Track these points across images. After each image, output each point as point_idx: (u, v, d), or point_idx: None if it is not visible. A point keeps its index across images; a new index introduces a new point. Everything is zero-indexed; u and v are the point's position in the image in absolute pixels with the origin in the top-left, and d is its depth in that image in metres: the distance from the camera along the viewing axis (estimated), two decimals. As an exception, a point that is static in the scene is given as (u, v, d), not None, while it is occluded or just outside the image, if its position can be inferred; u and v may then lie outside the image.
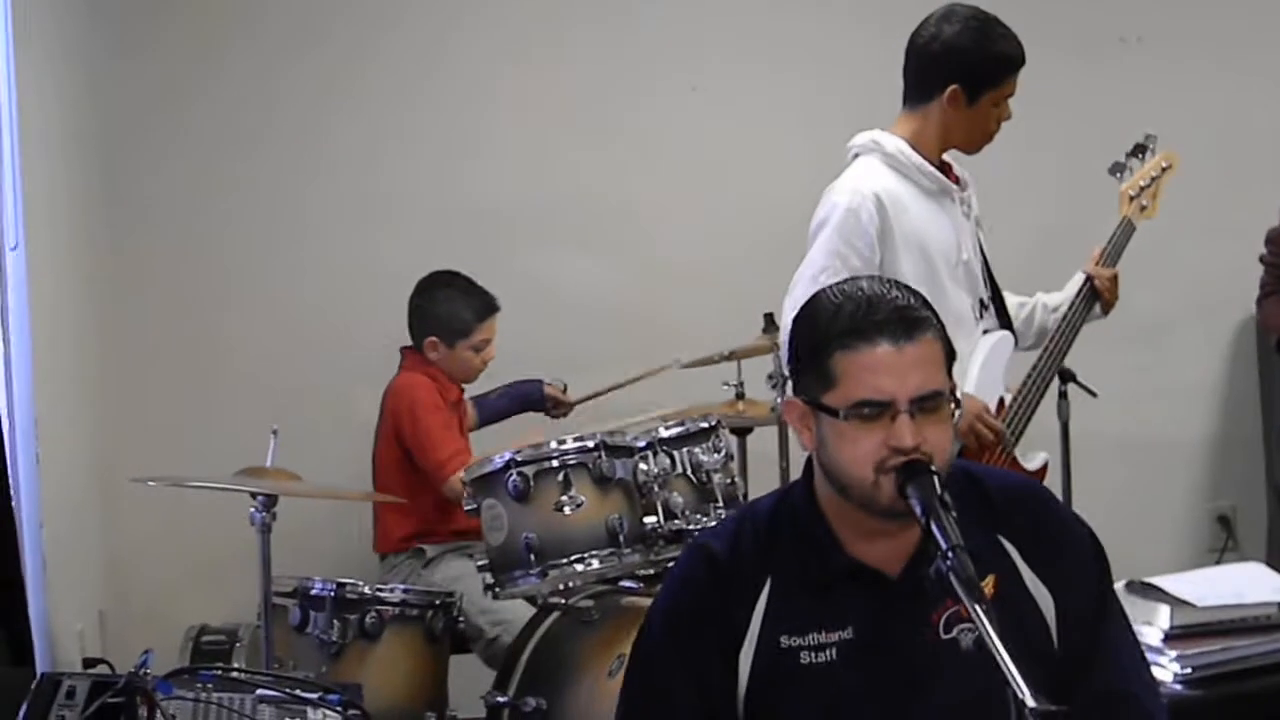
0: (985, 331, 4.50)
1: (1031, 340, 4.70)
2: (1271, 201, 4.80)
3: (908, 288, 2.72)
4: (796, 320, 2.76)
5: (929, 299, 2.72)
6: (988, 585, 2.64)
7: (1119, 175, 4.86)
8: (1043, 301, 4.74)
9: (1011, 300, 4.70)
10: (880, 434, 2.60)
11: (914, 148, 4.39)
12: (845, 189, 4.34)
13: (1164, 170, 4.86)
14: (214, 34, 6.15)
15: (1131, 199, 4.80)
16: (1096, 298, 4.66)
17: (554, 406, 5.93)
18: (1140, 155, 4.88)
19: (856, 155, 4.47)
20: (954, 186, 4.46)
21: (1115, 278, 4.68)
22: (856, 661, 2.69)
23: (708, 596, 2.77)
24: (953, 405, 2.67)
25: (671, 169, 6.39)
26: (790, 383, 2.82)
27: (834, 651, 2.70)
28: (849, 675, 2.69)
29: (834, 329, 2.63)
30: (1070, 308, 4.62)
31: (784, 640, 2.72)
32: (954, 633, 2.68)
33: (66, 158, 5.53)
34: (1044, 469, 4.61)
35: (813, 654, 2.71)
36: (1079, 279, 4.67)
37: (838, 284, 2.74)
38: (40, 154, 4.90)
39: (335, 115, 6.23)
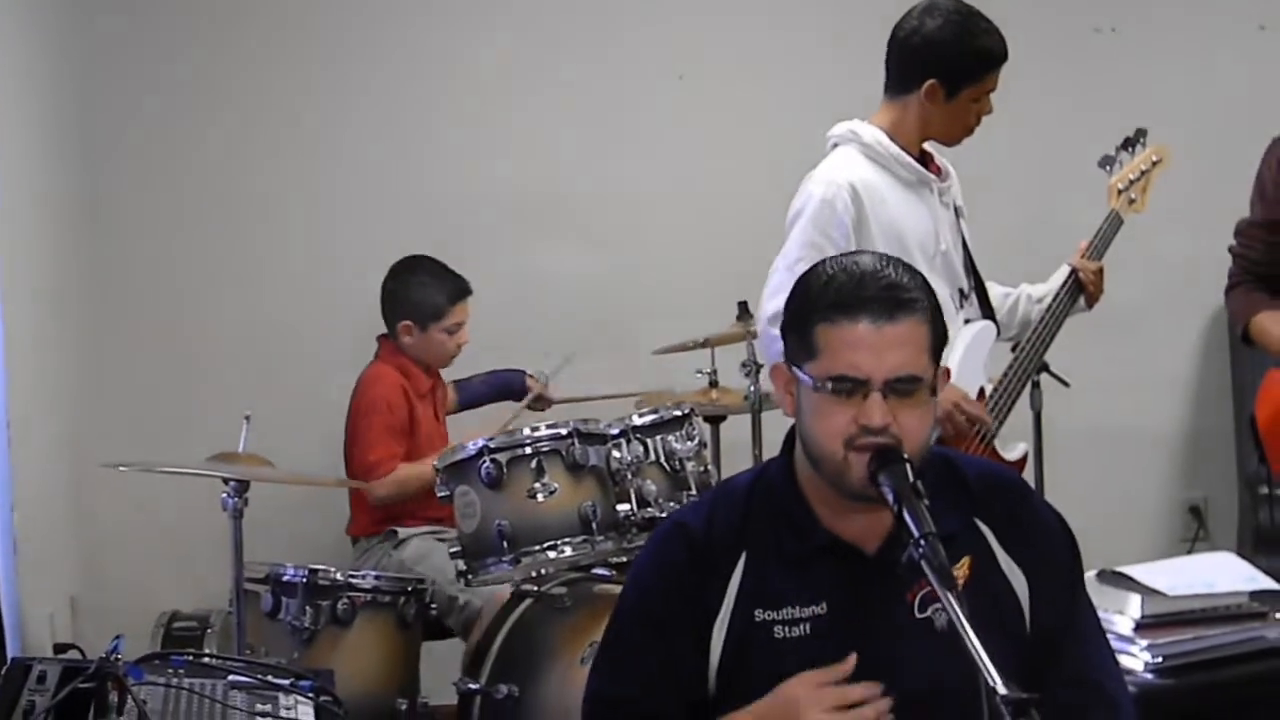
0: (966, 321, 4.50)
1: (1015, 331, 4.70)
2: (1245, 192, 4.82)
3: (909, 268, 2.72)
4: (794, 286, 2.76)
5: None
6: (963, 567, 2.69)
7: (1109, 168, 4.85)
8: (1027, 293, 4.74)
9: (996, 290, 4.70)
10: (852, 411, 2.61)
11: (892, 138, 4.39)
12: (821, 179, 4.34)
13: (1154, 164, 4.85)
14: (203, 20, 6.14)
15: (1120, 192, 4.79)
16: (1081, 291, 4.66)
17: (534, 400, 5.93)
18: (1130, 149, 4.87)
19: (835, 145, 4.46)
20: (933, 177, 4.45)
21: (1100, 271, 4.68)
22: (830, 636, 2.70)
23: (683, 575, 2.78)
24: (930, 393, 2.68)
25: (651, 157, 6.39)
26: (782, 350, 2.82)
27: (808, 626, 2.72)
28: (822, 650, 2.70)
29: (821, 300, 2.65)
30: (1054, 299, 4.62)
31: (758, 614, 2.73)
32: (928, 612, 2.69)
33: (42, 142, 5.51)
34: (1024, 459, 4.62)
35: (786, 628, 2.72)
36: (1064, 271, 4.67)
37: (839, 256, 2.77)
38: (14, 137, 4.88)
39: (314, 105, 6.22)
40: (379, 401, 5.49)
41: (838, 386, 2.62)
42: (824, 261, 2.75)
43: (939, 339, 2.71)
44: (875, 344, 2.61)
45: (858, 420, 2.61)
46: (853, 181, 4.30)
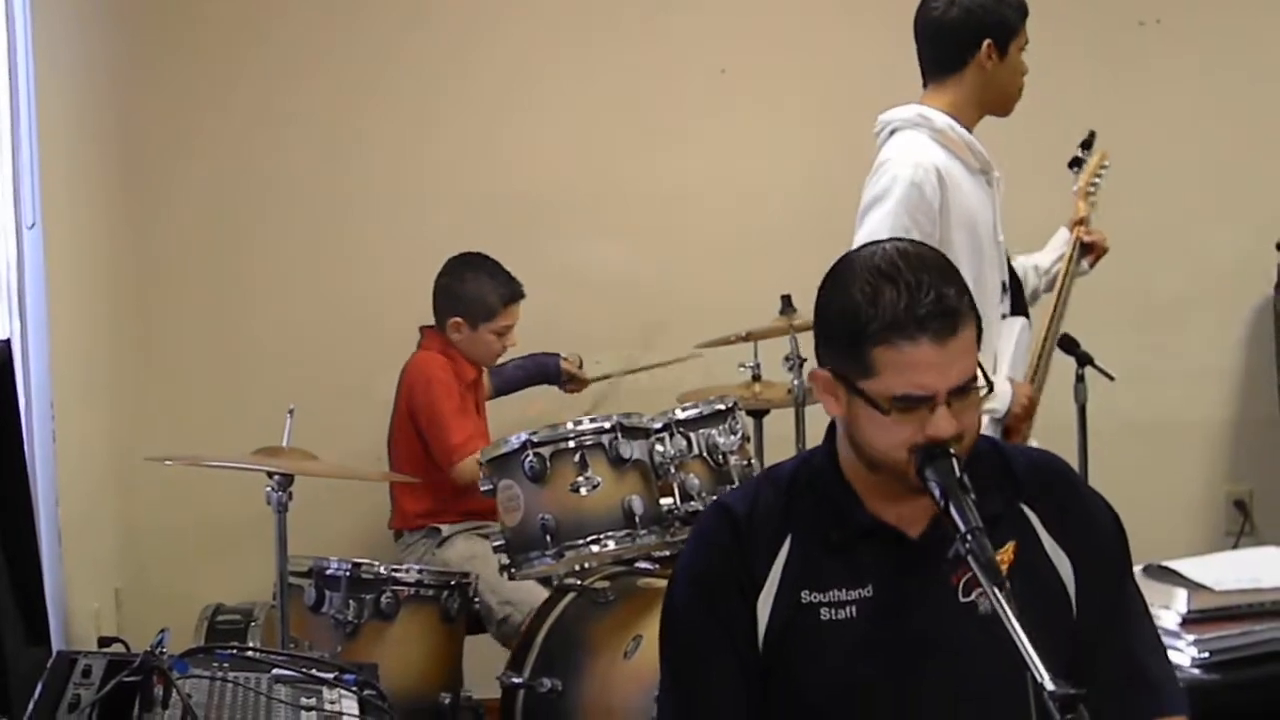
0: (1003, 316, 4.47)
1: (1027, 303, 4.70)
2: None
3: (939, 261, 2.68)
4: (829, 290, 2.71)
5: (974, 279, 2.69)
6: (1008, 551, 2.68)
7: (1076, 170, 4.86)
8: (1032, 264, 4.74)
9: None
10: (918, 422, 2.59)
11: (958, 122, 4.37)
12: (906, 162, 4.25)
13: (1105, 168, 4.88)
14: (243, 15, 6.15)
15: (1088, 195, 4.82)
16: (1086, 252, 4.67)
17: (569, 381, 5.95)
18: (1086, 151, 4.91)
19: (894, 130, 4.39)
20: (992, 165, 4.44)
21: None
22: (876, 619, 2.69)
23: (727, 551, 2.78)
24: (985, 389, 2.67)
25: (694, 151, 6.38)
26: (815, 347, 2.78)
27: (854, 609, 2.71)
28: (868, 632, 2.70)
29: (875, 323, 2.58)
30: (1066, 270, 4.63)
31: (805, 596, 2.72)
32: (973, 596, 2.67)
33: (85, 136, 5.53)
34: None
35: (833, 610, 2.71)
36: (1063, 236, 4.68)
37: (870, 258, 2.67)
38: (58, 132, 4.89)
39: (358, 98, 6.22)
40: (440, 385, 5.50)
41: (902, 405, 2.60)
42: (858, 267, 2.66)
43: (980, 328, 2.69)
44: (939, 362, 2.57)
45: (925, 432, 2.59)
46: (937, 165, 4.24)
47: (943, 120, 4.34)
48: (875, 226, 4.18)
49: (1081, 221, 4.74)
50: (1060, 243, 4.73)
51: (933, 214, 4.19)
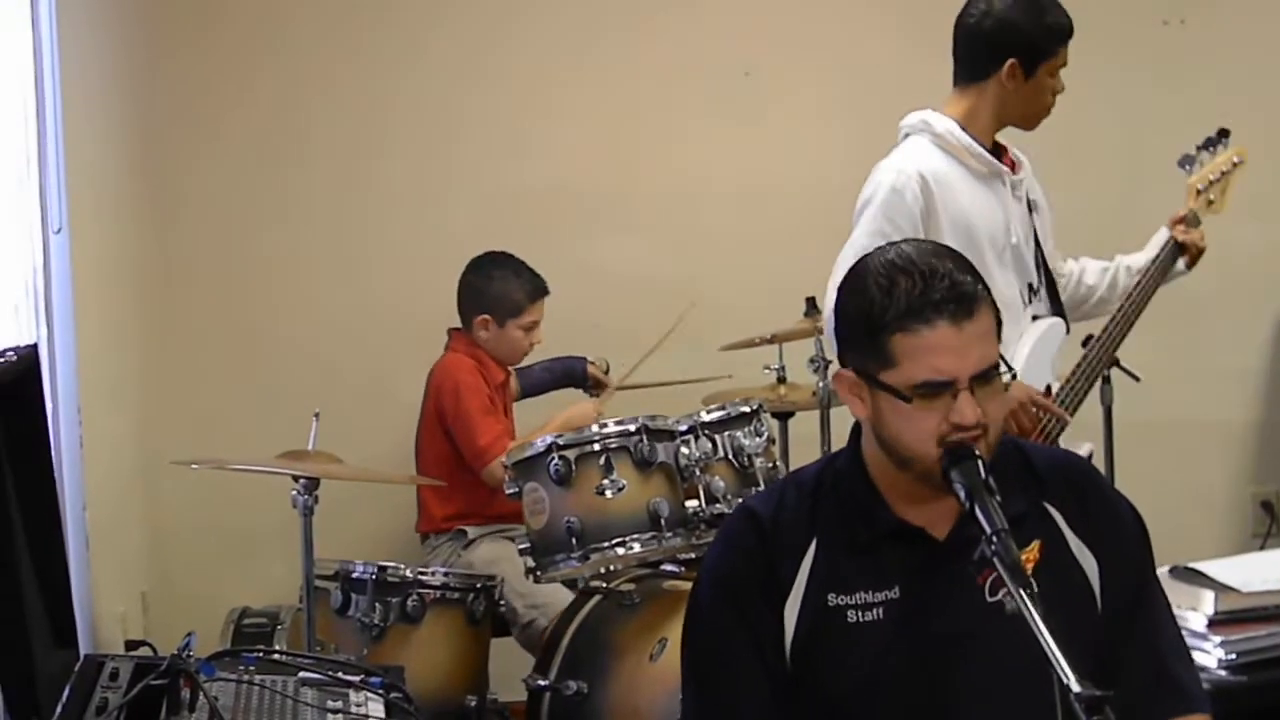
0: (1034, 318, 4.47)
1: (1116, 305, 4.67)
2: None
3: (953, 254, 2.70)
4: (845, 291, 2.73)
5: None
6: (1033, 550, 2.70)
7: (1188, 168, 4.81)
8: (1125, 264, 4.74)
9: (1093, 265, 4.72)
10: (942, 411, 2.60)
11: (964, 128, 4.37)
12: (891, 167, 4.33)
13: (1235, 165, 4.81)
14: (264, 16, 6.16)
15: (1199, 193, 4.76)
16: (1180, 252, 4.65)
17: (594, 386, 5.94)
18: (1211, 148, 4.83)
19: (906, 135, 4.45)
20: (1005, 169, 4.43)
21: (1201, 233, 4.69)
22: (903, 621, 2.70)
23: (752, 554, 2.79)
24: (1008, 375, 2.68)
25: (718, 153, 6.38)
26: (837, 353, 2.80)
27: (880, 611, 2.72)
28: (896, 634, 2.70)
29: (891, 310, 2.61)
30: (1148, 270, 4.61)
31: (831, 599, 2.73)
32: (1000, 595, 2.68)
33: (110, 140, 5.54)
34: (1089, 459, 4.58)
35: (860, 613, 2.72)
36: (1163, 235, 4.66)
37: (883, 255, 2.69)
38: (84, 137, 4.91)
39: (381, 98, 6.23)
40: (467, 387, 5.49)
41: (925, 392, 2.61)
42: (871, 264, 2.69)
43: (999, 320, 2.70)
44: (957, 345, 2.59)
45: (949, 420, 2.60)
46: (923, 171, 4.29)
47: (943, 125, 4.38)
48: (858, 232, 4.29)
49: (1181, 220, 4.71)
50: (1159, 242, 4.71)
51: (914, 218, 4.25)
